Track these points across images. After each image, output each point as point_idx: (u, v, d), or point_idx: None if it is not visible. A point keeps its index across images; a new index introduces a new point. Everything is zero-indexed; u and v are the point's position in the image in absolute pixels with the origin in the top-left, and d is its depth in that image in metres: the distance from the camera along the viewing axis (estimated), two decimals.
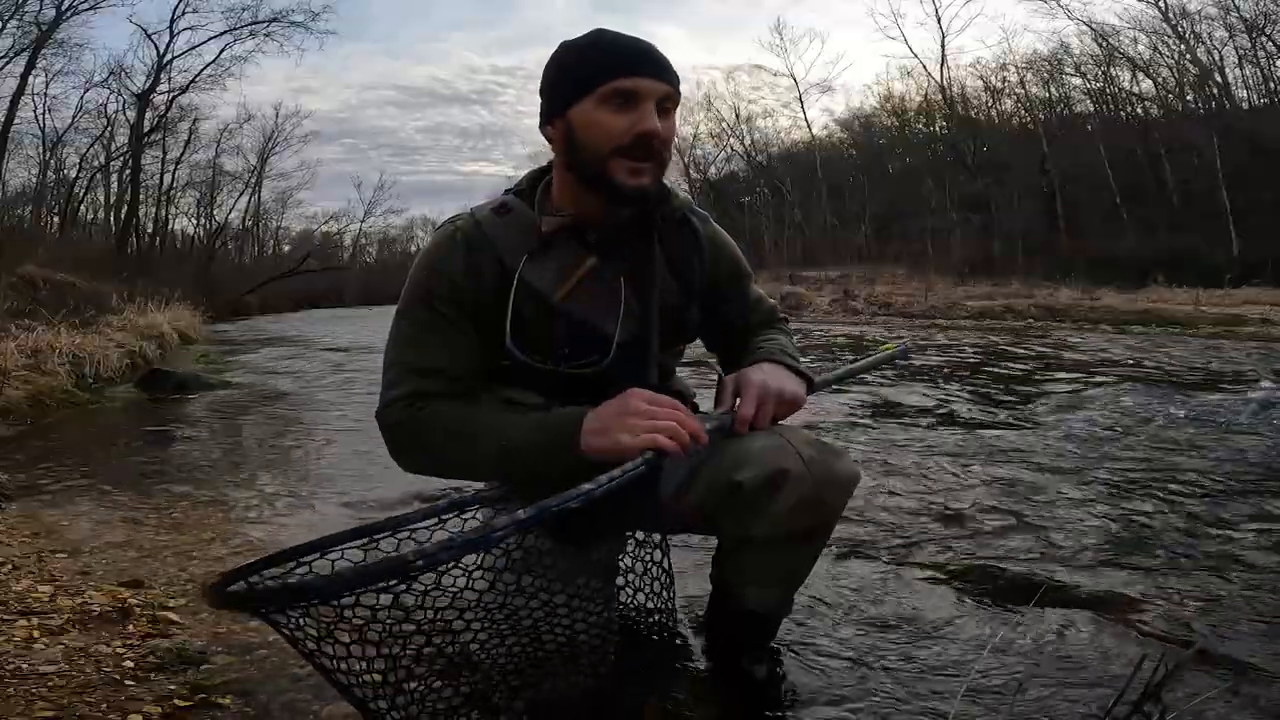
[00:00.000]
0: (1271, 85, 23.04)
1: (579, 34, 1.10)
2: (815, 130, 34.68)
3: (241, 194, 31.68)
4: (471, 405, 1.08)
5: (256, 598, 0.74)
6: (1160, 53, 24.16)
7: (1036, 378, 5.46)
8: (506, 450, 1.01)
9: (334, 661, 0.82)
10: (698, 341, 1.31)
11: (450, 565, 0.79)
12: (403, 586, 0.77)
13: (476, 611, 0.92)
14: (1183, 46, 23.43)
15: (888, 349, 1.51)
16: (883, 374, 5.22)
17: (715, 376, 1.21)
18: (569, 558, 1.04)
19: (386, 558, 0.74)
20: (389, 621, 0.83)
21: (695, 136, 34.74)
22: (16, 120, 20.20)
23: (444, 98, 70.77)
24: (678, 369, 1.31)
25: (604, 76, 1.03)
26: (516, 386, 1.11)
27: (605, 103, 1.04)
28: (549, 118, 1.09)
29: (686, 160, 34.68)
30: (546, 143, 1.13)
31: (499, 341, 1.07)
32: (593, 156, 1.05)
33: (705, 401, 1.26)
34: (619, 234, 1.12)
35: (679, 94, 1.08)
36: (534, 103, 1.13)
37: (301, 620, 0.77)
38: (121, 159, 24.96)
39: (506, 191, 1.18)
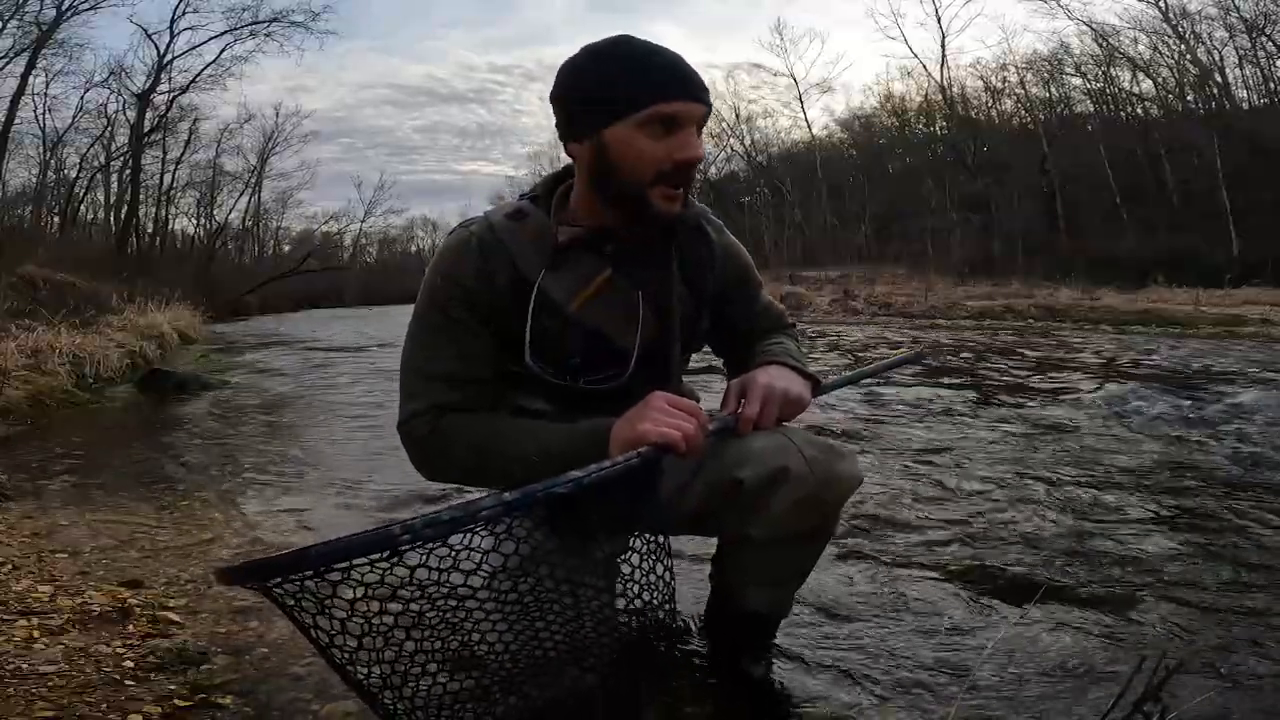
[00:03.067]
0: (1271, 85, 23.04)
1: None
2: (815, 130, 34.71)
3: (241, 194, 31.71)
4: (493, 416, 1.08)
5: (252, 570, 0.76)
6: (1160, 53, 24.16)
7: (1036, 378, 5.46)
8: (536, 463, 1.01)
9: (331, 638, 0.83)
10: (707, 347, 1.31)
11: (437, 544, 0.81)
12: (393, 560, 0.78)
13: (478, 602, 0.92)
14: (1183, 46, 23.42)
15: (898, 354, 1.49)
16: (884, 374, 5.20)
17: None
18: (572, 556, 1.04)
19: (374, 530, 0.76)
20: (386, 600, 0.84)
21: None
22: (16, 120, 20.24)
23: (441, 96, 70.58)
24: (684, 376, 1.31)
25: (648, 100, 0.99)
26: (525, 392, 1.11)
27: (646, 127, 0.99)
28: (576, 135, 1.04)
29: None
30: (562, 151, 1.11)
31: (511, 347, 1.07)
32: (631, 182, 1.02)
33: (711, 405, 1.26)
34: (636, 247, 1.11)
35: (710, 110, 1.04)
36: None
37: (300, 598, 0.79)
38: (121, 159, 24.99)
39: (522, 196, 1.17)
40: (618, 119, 1.00)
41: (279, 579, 0.77)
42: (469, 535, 0.84)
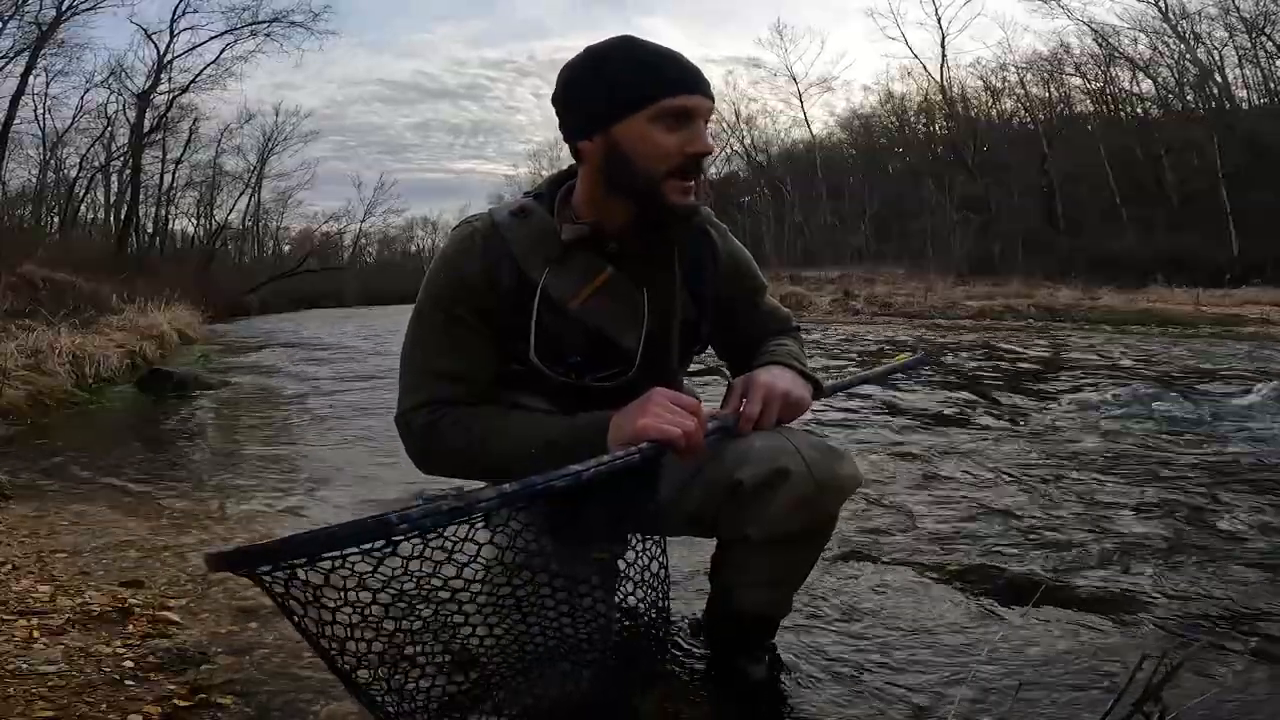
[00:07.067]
0: (1271, 85, 23.05)
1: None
2: (815, 129, 34.70)
3: (241, 194, 31.61)
4: (492, 410, 1.08)
5: (243, 556, 0.74)
6: (1160, 53, 24.17)
7: (1036, 378, 5.46)
8: (536, 456, 1.01)
9: (321, 629, 0.81)
10: (710, 350, 1.31)
11: (434, 534, 0.79)
12: (387, 550, 0.76)
13: (474, 601, 0.92)
14: (1183, 46, 23.42)
15: (902, 358, 1.47)
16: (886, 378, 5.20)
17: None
18: (569, 556, 1.04)
19: (370, 518, 0.74)
20: (379, 591, 0.83)
21: None
22: (16, 120, 20.21)
23: (432, 93, 68.96)
24: (685, 378, 1.31)
25: (658, 94, 1.01)
26: (525, 390, 1.11)
27: (657, 121, 1.01)
28: (586, 132, 1.05)
29: None
30: (568, 150, 1.10)
31: (511, 344, 1.08)
32: (644, 176, 1.03)
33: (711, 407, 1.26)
34: (638, 246, 1.11)
35: None
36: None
37: (290, 587, 0.77)
38: (121, 159, 24.93)
39: (526, 194, 1.17)
40: (630, 114, 1.02)
41: (270, 566, 0.75)
42: (468, 527, 0.84)
